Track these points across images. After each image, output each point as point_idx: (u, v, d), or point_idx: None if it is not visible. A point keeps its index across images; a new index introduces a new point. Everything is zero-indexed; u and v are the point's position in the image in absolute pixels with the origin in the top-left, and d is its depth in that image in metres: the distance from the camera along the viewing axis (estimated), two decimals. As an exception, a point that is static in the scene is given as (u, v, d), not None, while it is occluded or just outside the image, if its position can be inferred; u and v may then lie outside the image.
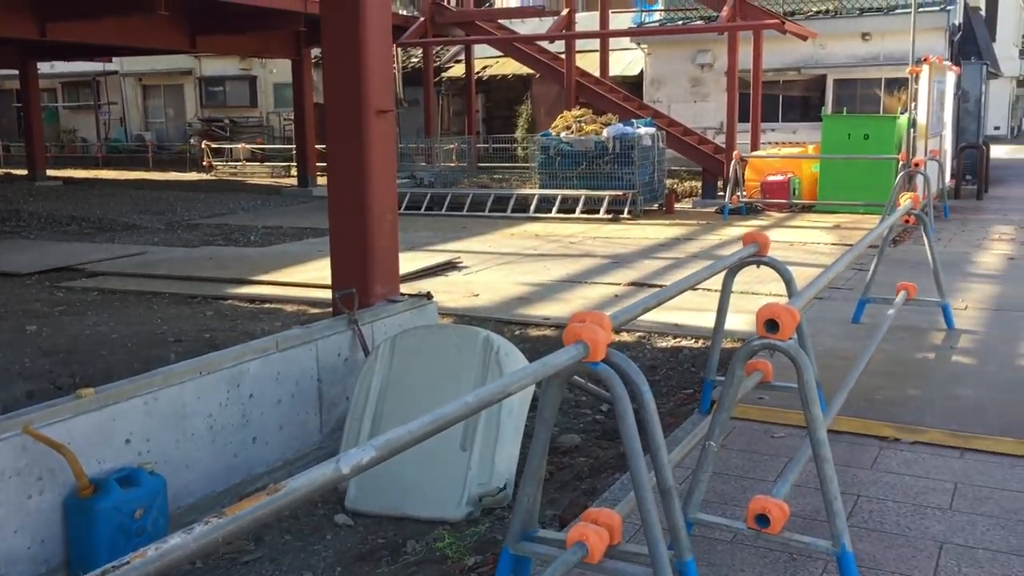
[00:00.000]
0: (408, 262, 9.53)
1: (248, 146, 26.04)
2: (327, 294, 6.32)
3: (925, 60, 13.76)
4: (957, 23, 20.32)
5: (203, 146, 26.10)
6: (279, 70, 27.43)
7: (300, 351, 4.90)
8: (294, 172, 21.23)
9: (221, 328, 7.42)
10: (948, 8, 19.45)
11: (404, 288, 6.84)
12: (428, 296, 5.97)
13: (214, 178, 24.15)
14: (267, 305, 8.29)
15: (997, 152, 24.96)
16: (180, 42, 16.74)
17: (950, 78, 15.66)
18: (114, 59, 26.72)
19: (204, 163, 25.52)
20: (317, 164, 18.77)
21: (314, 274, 8.91)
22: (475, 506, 4.12)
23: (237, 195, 19.12)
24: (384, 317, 5.47)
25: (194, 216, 15.59)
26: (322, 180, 17.02)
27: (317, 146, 18.16)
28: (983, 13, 27.19)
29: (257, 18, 16.21)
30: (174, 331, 7.35)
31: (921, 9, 15.70)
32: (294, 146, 20.50)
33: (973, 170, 16.59)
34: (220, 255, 11.21)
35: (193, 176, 24.79)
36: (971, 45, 21.45)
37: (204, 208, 16.76)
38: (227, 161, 25.95)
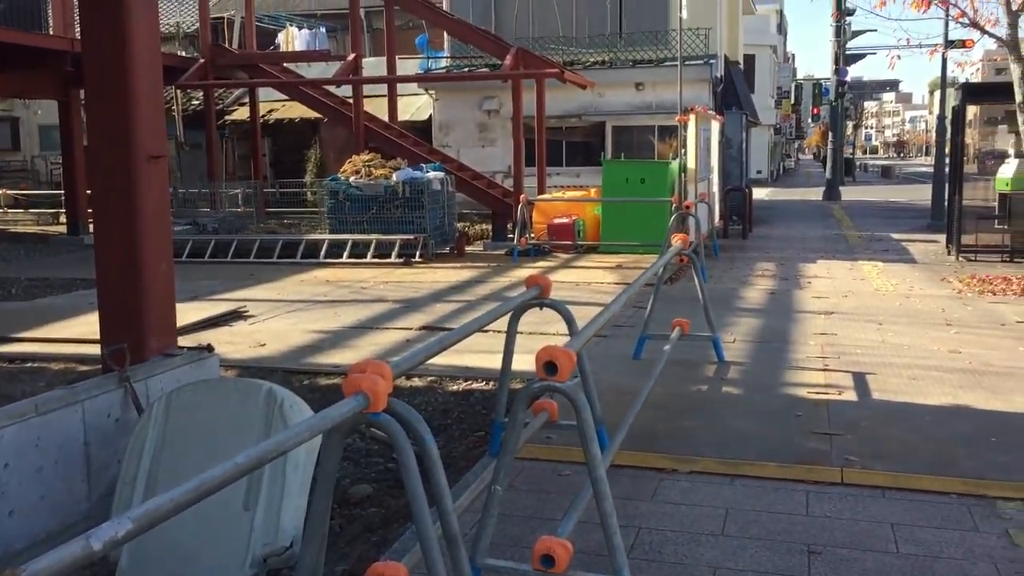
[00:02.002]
0: (189, 312, 9.11)
1: (10, 192, 24.13)
2: (98, 350, 5.91)
3: (692, 110, 14.75)
4: (719, 76, 21.95)
5: (-41, 192, 23.94)
6: (45, 111, 25.72)
7: (64, 413, 4.53)
8: (63, 219, 19.87)
9: (-25, 392, 6.76)
10: (711, 62, 21.01)
11: (184, 341, 6.52)
12: (209, 348, 5.71)
13: (-30, 228, 22.19)
14: (29, 364, 7.65)
15: (759, 194, 27.10)
16: (-72, 81, 15.36)
17: (715, 126, 16.86)
18: None
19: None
20: (89, 210, 17.64)
21: (84, 329, 8.32)
22: (260, 568, 3.93)
23: (-2, 245, 17.64)
24: (159, 373, 5.17)
25: (-54, 269, 14.23)
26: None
27: (89, 191, 17.08)
28: (742, 67, 29.56)
29: (20, 57, 15.14)
30: (-82, 397, 6.63)
31: (687, 63, 16.86)
32: (63, 191, 19.19)
33: (739, 211, 17.90)
34: (-24, 311, 10.26)
35: (-55, 226, 22.68)
36: (732, 96, 23.25)
37: (-42, 260, 15.33)
38: (-13, 208, 23.92)
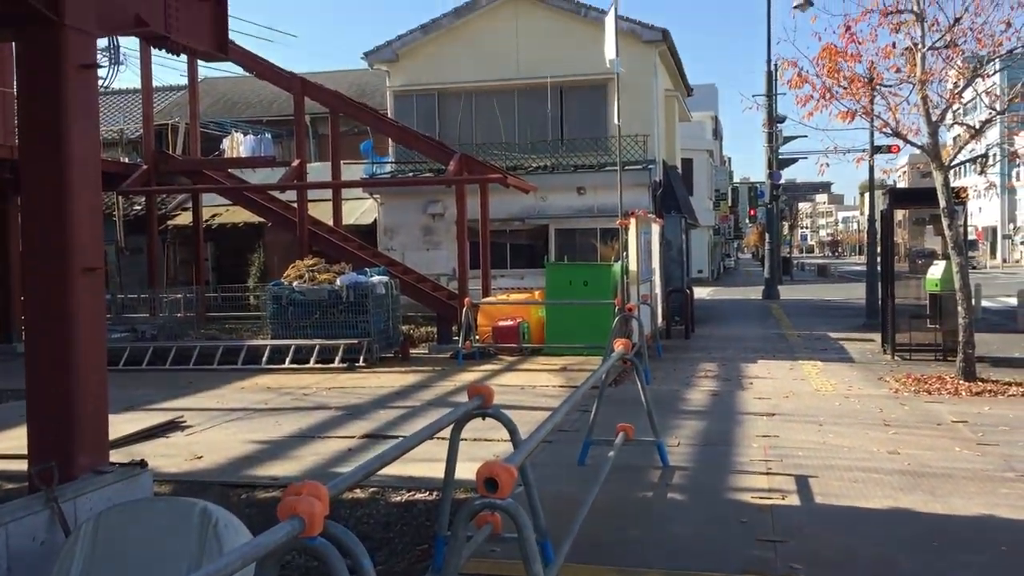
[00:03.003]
0: (124, 424, 8.87)
1: (-59, 299, 23.51)
2: (25, 466, 5.69)
3: (632, 214, 15.08)
4: (658, 180, 22.59)
5: None
6: (-17, 217, 25.26)
7: (-15, 538, 4.34)
8: (-3, 327, 19.36)
9: None
10: (649, 167, 21.63)
11: (117, 455, 6.34)
12: (142, 464, 5.54)
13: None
14: (-47, 482, 7.33)
15: (700, 293, 27.56)
16: None
17: (655, 229, 17.23)
18: None
19: None
20: (22, 318, 17.24)
21: (13, 443, 8.03)
22: None
23: (-74, 354, 17.08)
24: (89, 491, 5.00)
25: None
26: (29, 335, 15.58)
27: (23, 300, 16.72)
28: (680, 171, 30.43)
29: (-45, 164, 15.00)
30: None
31: (626, 168, 17.28)
32: (-3, 299, 18.77)
33: (681, 311, 18.16)
34: (-102, 425, 9.85)
35: None
36: (671, 199, 23.86)
37: None
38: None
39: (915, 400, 10.10)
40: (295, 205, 18.13)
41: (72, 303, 5.21)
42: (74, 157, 5.27)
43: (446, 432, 4.78)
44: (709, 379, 12.02)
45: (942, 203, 11.16)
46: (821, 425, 8.67)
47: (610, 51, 14.31)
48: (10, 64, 15.19)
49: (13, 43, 5.83)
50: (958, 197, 12.18)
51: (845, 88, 11.13)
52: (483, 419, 4.81)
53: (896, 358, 13.54)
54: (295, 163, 18.29)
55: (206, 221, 21.94)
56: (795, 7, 22.27)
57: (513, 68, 22.90)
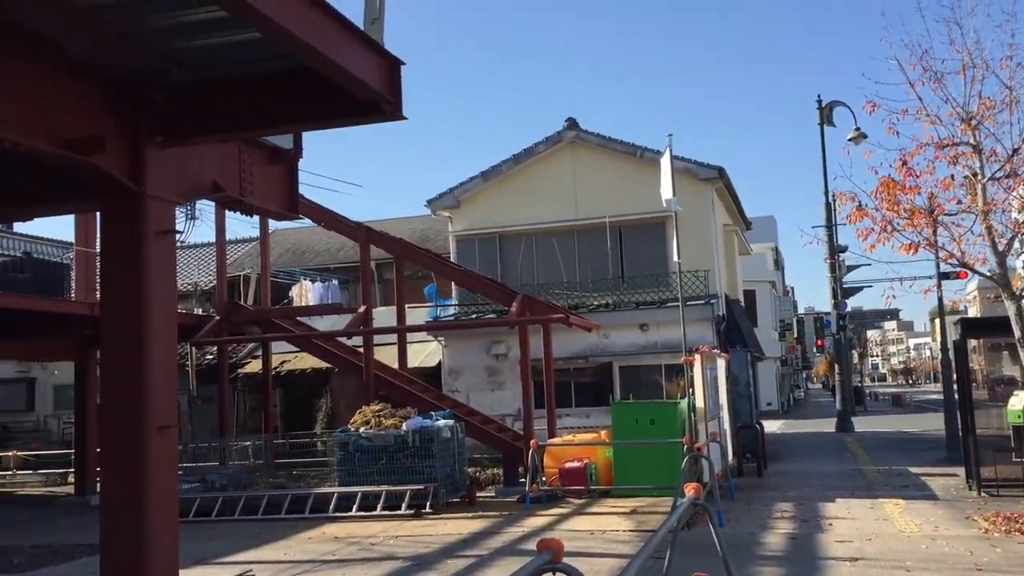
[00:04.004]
0: (193, 579, 8.84)
1: (20, 453, 24.08)
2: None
3: (697, 350, 14.95)
4: (721, 314, 22.46)
5: (-33, 455, 23.90)
6: (61, 371, 26.14)
7: None
8: (72, 479, 19.70)
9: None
10: (711, 302, 21.56)
11: (185, 614, 6.31)
12: (211, 624, 5.50)
13: (-24, 491, 22.00)
14: (25, 642, 7.33)
15: (771, 427, 26.91)
16: (-50, 352, 15.73)
17: (720, 364, 17.03)
18: None
19: (-33, 473, 23.27)
20: (98, 469, 17.52)
21: (84, 600, 8.05)
22: None
23: (3, 509, 17.41)
24: (159, 654, 4.96)
25: (-52, 535, 13.95)
26: (102, 487, 15.80)
27: (99, 456, 17.03)
28: (742, 304, 30.30)
29: (39, 322, 15.62)
30: None
31: (688, 303, 17.31)
32: (73, 451, 19.17)
33: (752, 448, 17.71)
34: (-26, 582, 9.97)
35: (-49, 492, 22.48)
36: (736, 333, 23.66)
37: (-39, 525, 15.06)
38: (-6, 471, 23.79)
39: (1007, 541, 9.58)
40: (361, 350, 18.40)
41: (146, 461, 5.32)
42: (152, 319, 5.47)
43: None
44: (786, 520, 11.60)
45: (1017, 333, 10.87)
46: (909, 571, 8.25)
47: (667, 191, 14.54)
48: (93, 226, 16.03)
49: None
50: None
51: (906, 220, 11.08)
52: (553, 574, 4.69)
53: (983, 494, 12.93)
54: (361, 309, 18.68)
55: (275, 368, 22.34)
56: (848, 139, 22.51)
57: (571, 209, 23.35)
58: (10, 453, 23.94)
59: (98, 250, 16.55)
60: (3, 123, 4.69)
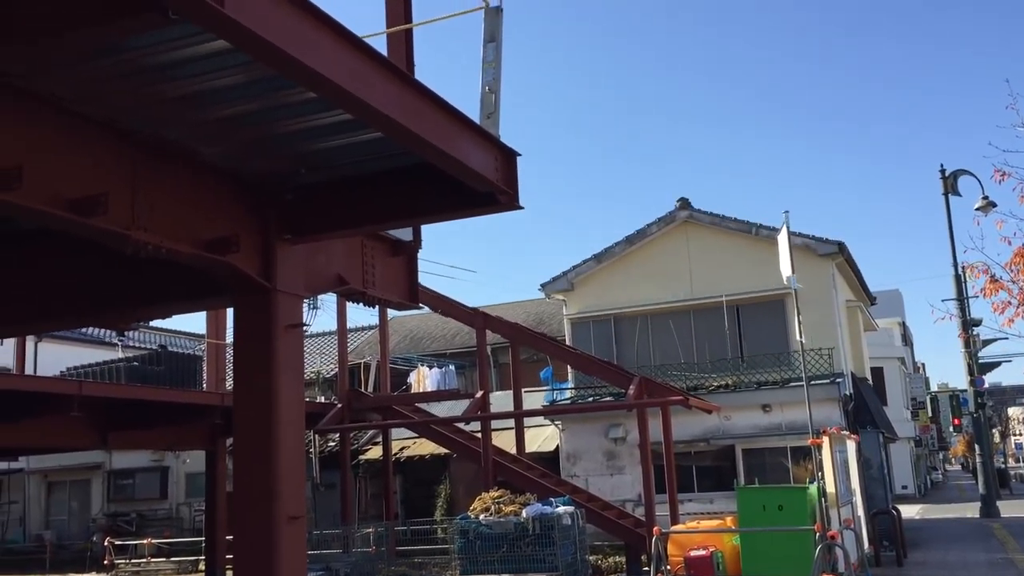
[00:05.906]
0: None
1: (154, 541, 24.90)
2: None
3: (824, 432, 14.39)
4: (848, 393, 21.62)
5: (106, 543, 24.85)
6: (193, 459, 27.08)
7: None
8: (203, 566, 20.20)
9: None
10: (837, 381, 20.79)
11: None
12: None
13: (114, 579, 22.80)
14: None
15: (908, 512, 25.52)
16: (91, 440, 16.43)
17: (850, 446, 16.33)
18: (20, 457, 26.09)
19: (105, 562, 24.14)
20: (227, 556, 17.93)
21: None
22: None
23: (138, 595, 17.94)
24: None
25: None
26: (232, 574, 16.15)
27: (231, 544, 17.46)
28: (871, 382, 29.12)
29: (173, 413, 16.27)
30: None
31: (812, 383, 16.73)
32: (204, 538, 19.71)
33: (889, 535, 16.79)
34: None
35: (92, 578, 23.36)
36: (865, 413, 22.68)
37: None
38: (130, 558, 24.62)
39: None
40: (479, 435, 18.45)
41: (277, 551, 5.42)
42: (281, 410, 5.64)
43: None
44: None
45: None
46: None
47: (786, 268, 14.26)
48: (223, 319, 16.75)
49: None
50: None
51: (1046, 291, 10.55)
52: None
53: None
54: (478, 395, 18.80)
55: (395, 454, 22.58)
56: (976, 208, 21.70)
57: (687, 289, 23.10)
58: (144, 541, 24.78)
59: (228, 342, 17.30)
60: (149, 230, 5.00)
